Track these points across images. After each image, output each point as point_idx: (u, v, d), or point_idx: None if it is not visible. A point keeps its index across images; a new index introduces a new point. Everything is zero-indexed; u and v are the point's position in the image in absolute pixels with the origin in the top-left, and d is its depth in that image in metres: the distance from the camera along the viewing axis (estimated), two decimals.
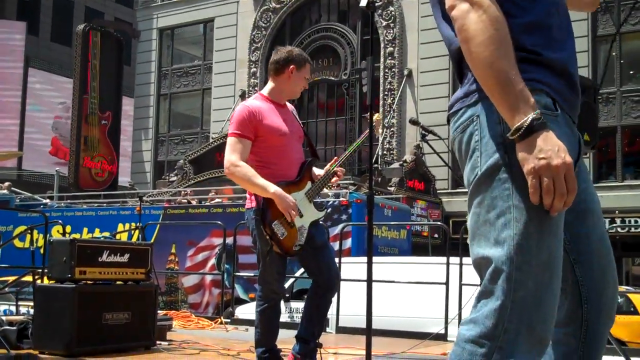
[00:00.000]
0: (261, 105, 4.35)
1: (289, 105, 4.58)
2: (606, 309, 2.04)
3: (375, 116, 4.74)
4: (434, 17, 2.15)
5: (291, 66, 4.40)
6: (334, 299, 7.74)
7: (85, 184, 25.97)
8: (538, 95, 1.89)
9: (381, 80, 25.33)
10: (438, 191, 23.28)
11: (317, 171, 4.55)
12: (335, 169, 4.51)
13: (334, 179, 4.55)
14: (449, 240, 8.04)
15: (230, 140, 4.27)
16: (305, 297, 4.50)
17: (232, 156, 4.19)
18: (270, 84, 4.49)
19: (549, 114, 1.89)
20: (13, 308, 8.92)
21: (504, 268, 1.80)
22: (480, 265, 1.88)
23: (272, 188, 4.12)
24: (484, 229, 1.87)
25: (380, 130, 5.43)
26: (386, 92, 25.34)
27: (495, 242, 1.84)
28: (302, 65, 4.46)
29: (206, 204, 15.55)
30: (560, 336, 2.03)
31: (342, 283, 7.85)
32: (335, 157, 4.61)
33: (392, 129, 24.89)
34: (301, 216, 4.25)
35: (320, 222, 4.53)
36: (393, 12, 25.54)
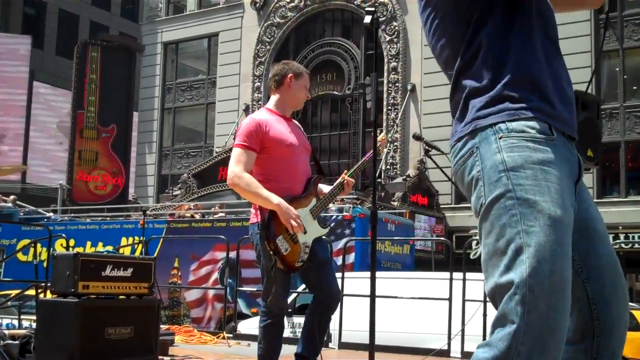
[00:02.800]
0: (268, 117, 4.37)
1: (294, 121, 4.60)
2: (618, 325, 2.05)
3: (381, 135, 4.75)
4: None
5: (289, 75, 4.46)
6: (337, 315, 7.76)
7: (80, 197, 26.01)
8: (533, 121, 1.95)
9: (385, 95, 25.37)
10: (441, 206, 23.26)
11: (325, 188, 4.55)
12: (345, 179, 4.51)
13: (345, 189, 4.55)
14: (452, 256, 8.02)
15: (235, 151, 4.27)
16: (305, 313, 4.49)
17: (236, 167, 4.19)
18: (273, 98, 4.52)
19: (546, 138, 1.93)
20: (16, 322, 8.91)
21: (518, 291, 1.83)
22: (495, 294, 1.90)
23: (276, 199, 4.11)
24: (495, 258, 1.90)
25: (384, 150, 5.43)
26: (389, 107, 25.38)
27: (507, 268, 1.86)
28: (300, 74, 4.50)
29: (209, 218, 15.55)
30: (571, 354, 2.03)
31: (344, 298, 7.86)
32: (345, 172, 4.61)
33: (395, 143, 24.91)
34: (305, 232, 4.24)
35: (324, 237, 4.53)
36: (396, 27, 25.62)
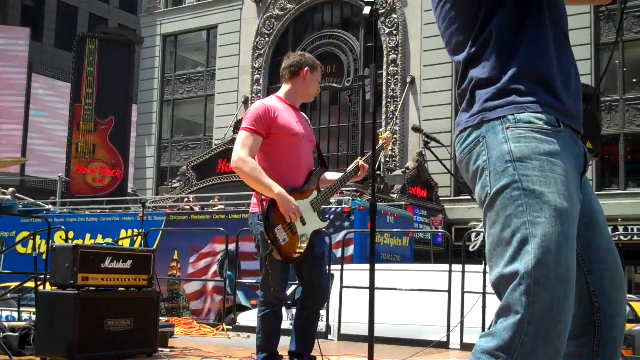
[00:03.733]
0: (277, 104, 4.37)
1: (302, 113, 4.60)
2: (618, 316, 2.06)
3: (386, 134, 4.76)
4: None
5: (305, 68, 4.46)
6: (336, 307, 7.76)
7: (77, 190, 26.06)
8: (541, 114, 1.94)
9: (384, 88, 25.36)
10: (441, 198, 23.27)
11: (332, 175, 4.56)
12: (360, 163, 4.52)
13: (359, 173, 4.55)
14: (451, 248, 8.02)
15: (241, 135, 4.25)
16: (295, 309, 4.50)
17: (241, 151, 4.18)
18: (285, 87, 4.51)
19: (553, 130, 1.94)
20: (15, 314, 8.93)
21: (523, 282, 1.83)
22: (500, 285, 1.90)
23: (277, 189, 4.11)
24: (500, 249, 1.90)
25: (389, 148, 5.44)
26: (389, 100, 25.37)
27: (512, 259, 1.86)
28: (315, 68, 4.51)
29: (209, 210, 15.56)
30: (573, 349, 2.04)
31: (344, 290, 7.87)
32: (360, 157, 4.62)
33: (395, 136, 24.91)
34: (304, 224, 4.25)
35: (323, 230, 4.53)
36: (396, 20, 25.58)
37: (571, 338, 1.99)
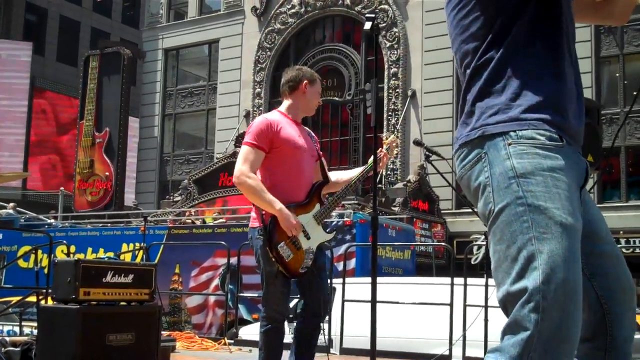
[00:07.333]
0: (280, 119, 4.38)
1: (306, 128, 4.62)
2: (627, 316, 2.06)
3: (391, 137, 4.77)
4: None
5: (304, 81, 4.47)
6: (338, 320, 7.75)
7: (79, 206, 26.26)
8: (544, 131, 1.94)
9: (385, 101, 25.39)
10: (442, 211, 23.25)
11: (346, 175, 4.55)
12: (383, 151, 4.51)
13: (383, 161, 4.55)
14: (453, 261, 8.01)
15: (244, 149, 4.26)
16: (297, 321, 4.48)
17: (243, 166, 4.19)
18: (286, 102, 4.52)
19: (556, 145, 1.94)
20: (17, 329, 8.92)
21: (532, 299, 1.82)
22: (507, 301, 1.89)
23: (278, 205, 4.11)
24: (506, 265, 1.90)
25: (395, 152, 5.46)
26: (390, 113, 25.40)
27: (520, 276, 1.86)
28: (314, 80, 4.53)
29: (210, 224, 15.54)
30: (585, 351, 2.04)
31: (346, 304, 7.86)
32: (380, 149, 4.58)
33: (396, 149, 24.91)
34: (308, 238, 4.24)
35: (326, 243, 4.52)
36: (397, 34, 25.65)
37: (583, 340, 1.99)
